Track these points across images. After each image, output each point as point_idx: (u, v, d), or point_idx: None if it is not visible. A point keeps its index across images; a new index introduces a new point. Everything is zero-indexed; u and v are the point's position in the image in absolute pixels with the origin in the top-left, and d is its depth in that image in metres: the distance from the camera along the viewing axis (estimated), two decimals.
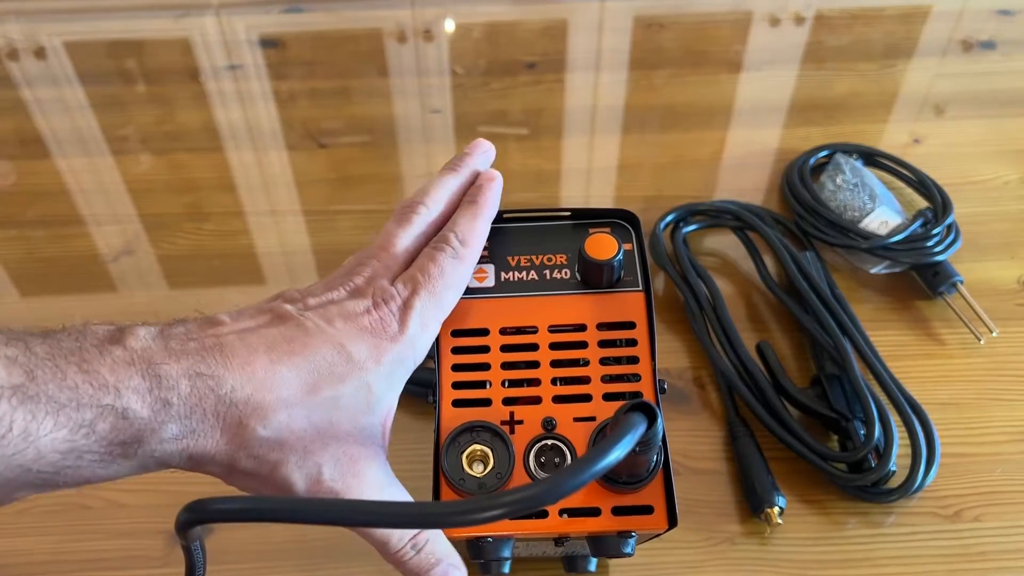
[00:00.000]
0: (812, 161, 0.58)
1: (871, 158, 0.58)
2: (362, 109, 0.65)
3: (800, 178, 0.56)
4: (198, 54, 0.70)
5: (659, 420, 0.27)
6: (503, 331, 0.34)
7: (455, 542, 0.31)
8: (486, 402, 0.32)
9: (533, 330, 0.34)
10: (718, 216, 0.54)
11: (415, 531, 0.29)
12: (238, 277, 0.53)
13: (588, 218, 0.36)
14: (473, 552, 0.32)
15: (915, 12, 0.75)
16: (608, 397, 0.32)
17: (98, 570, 0.41)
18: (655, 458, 0.30)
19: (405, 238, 0.32)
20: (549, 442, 0.31)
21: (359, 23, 0.73)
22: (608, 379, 0.33)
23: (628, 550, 0.31)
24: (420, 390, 0.45)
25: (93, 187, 0.59)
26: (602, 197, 0.58)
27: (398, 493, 0.29)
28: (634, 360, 0.33)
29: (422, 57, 0.70)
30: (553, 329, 0.34)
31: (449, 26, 0.73)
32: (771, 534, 0.41)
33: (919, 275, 0.51)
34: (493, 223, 0.35)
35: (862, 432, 0.42)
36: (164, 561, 0.41)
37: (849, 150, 0.59)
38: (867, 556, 0.40)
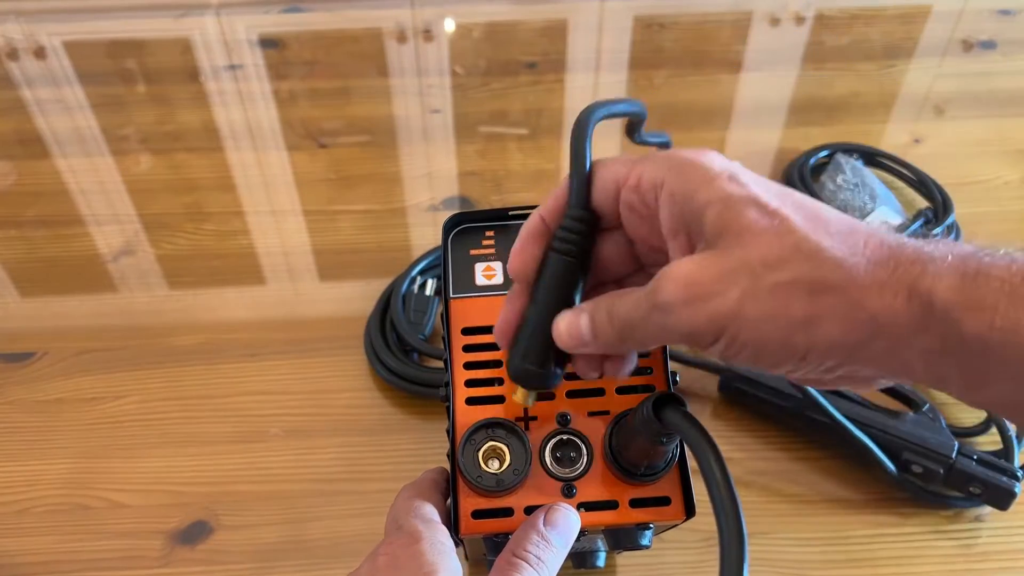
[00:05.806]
0: (812, 161, 0.58)
1: (871, 158, 0.58)
2: (362, 109, 0.65)
3: (800, 178, 0.56)
4: (198, 54, 0.70)
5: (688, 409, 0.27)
6: None
7: (473, 540, 0.31)
8: (500, 399, 0.32)
9: None
10: None
11: None
12: (238, 277, 0.53)
13: None
14: (491, 549, 0.32)
15: (915, 12, 0.75)
16: (621, 391, 0.32)
17: (98, 570, 0.41)
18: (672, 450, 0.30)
19: None
20: (564, 437, 0.31)
21: (359, 23, 0.73)
22: None
23: (645, 542, 0.31)
24: (427, 391, 0.46)
25: (93, 187, 0.59)
26: None
27: None
28: (645, 353, 0.33)
29: (422, 57, 0.70)
30: None
31: (449, 26, 0.73)
32: (771, 534, 0.41)
33: None
34: (499, 221, 0.35)
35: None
36: (164, 561, 0.41)
37: (849, 150, 0.59)
38: (867, 556, 0.40)
